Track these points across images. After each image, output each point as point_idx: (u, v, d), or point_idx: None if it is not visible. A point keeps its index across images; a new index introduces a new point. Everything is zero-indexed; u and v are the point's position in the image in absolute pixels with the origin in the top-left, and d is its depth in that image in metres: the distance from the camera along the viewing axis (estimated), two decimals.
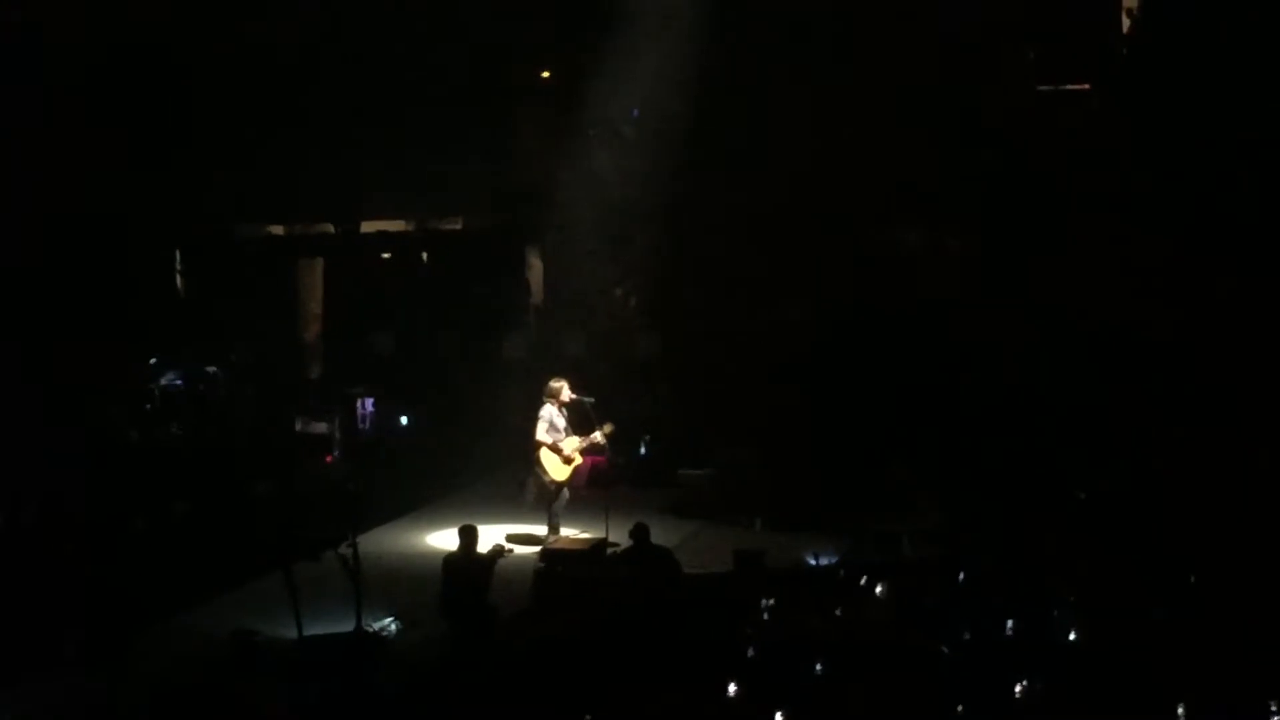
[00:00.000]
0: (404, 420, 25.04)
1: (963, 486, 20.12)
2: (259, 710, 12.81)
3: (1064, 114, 24.72)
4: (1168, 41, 23.64)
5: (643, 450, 23.57)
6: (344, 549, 14.58)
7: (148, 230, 25.20)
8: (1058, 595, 14.33)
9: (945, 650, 12.84)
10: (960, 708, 11.47)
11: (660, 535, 17.05)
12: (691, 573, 16.64)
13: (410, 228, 28.69)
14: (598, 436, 18.98)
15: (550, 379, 19.43)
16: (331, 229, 28.49)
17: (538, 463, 19.06)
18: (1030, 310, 23.37)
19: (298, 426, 23.32)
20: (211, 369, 24.11)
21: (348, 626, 14.47)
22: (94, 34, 23.50)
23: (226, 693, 13.17)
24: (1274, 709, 11.54)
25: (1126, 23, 24.73)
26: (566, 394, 19.13)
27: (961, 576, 15.30)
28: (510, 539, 18.92)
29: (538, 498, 19.46)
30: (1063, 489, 19.92)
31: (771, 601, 14.31)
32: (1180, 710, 11.12)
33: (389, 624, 15.16)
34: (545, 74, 27.34)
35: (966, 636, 13.21)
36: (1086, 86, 24.99)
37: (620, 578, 16.16)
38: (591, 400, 19.18)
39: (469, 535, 15.93)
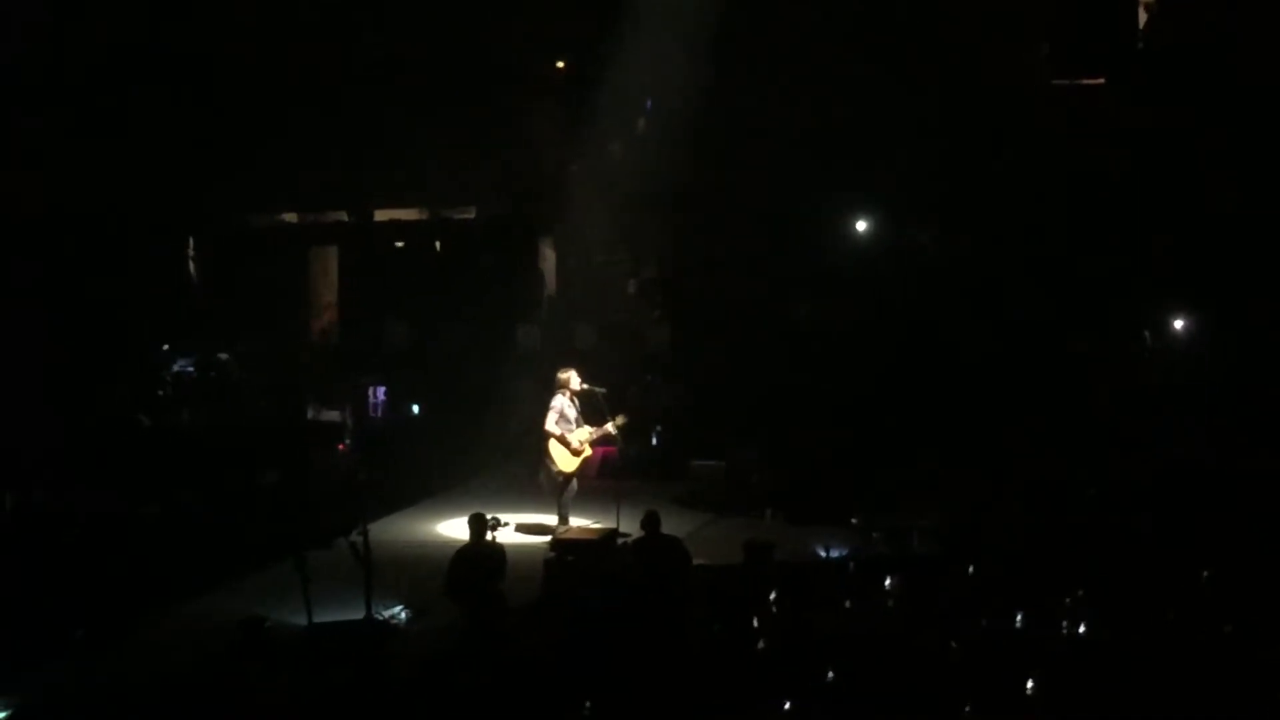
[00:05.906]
0: (416, 409, 25.01)
1: (975, 482, 20.08)
2: (267, 697, 12.78)
3: (1078, 108, 24.69)
4: (1184, 35, 23.61)
5: (654, 441, 23.56)
6: (355, 537, 14.58)
7: (161, 217, 25.22)
8: (1069, 591, 14.27)
9: (955, 645, 12.80)
10: (970, 704, 11.43)
11: (671, 526, 16.99)
12: (701, 564, 16.63)
13: (424, 217, 28.69)
14: (610, 428, 18.96)
15: (559, 369, 19.42)
16: (345, 217, 28.50)
17: (546, 454, 19.04)
18: (1042, 309, 23.39)
19: (310, 414, 23.30)
20: (224, 356, 24.09)
21: (358, 614, 14.47)
22: (111, 25, 23.56)
23: (235, 679, 13.14)
24: None
25: (1143, 17, 24.68)
26: (576, 383, 19.10)
27: (972, 571, 15.26)
28: (520, 528, 18.95)
29: (549, 487, 19.44)
30: (1074, 485, 19.89)
31: (781, 594, 14.27)
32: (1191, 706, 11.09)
33: (399, 612, 15.15)
34: (560, 65, 27.31)
35: (977, 632, 13.17)
36: (1102, 81, 24.93)
37: (630, 567, 16.15)
38: (603, 391, 19.14)
39: (479, 523, 15.92)
